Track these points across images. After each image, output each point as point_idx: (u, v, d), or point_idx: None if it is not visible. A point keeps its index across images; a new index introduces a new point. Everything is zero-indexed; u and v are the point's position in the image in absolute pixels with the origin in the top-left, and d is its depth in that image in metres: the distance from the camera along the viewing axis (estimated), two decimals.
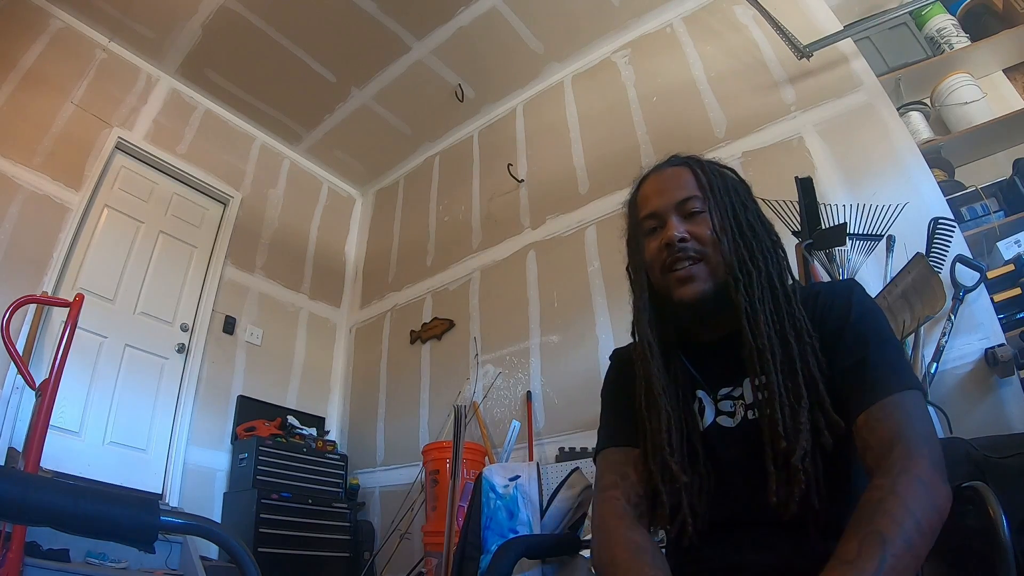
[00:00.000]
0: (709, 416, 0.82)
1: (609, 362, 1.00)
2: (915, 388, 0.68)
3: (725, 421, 0.81)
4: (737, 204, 0.85)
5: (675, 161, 0.91)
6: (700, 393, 0.84)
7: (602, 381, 0.98)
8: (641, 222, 0.89)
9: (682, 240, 0.81)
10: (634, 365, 0.87)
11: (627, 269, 0.94)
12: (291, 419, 3.60)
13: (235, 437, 3.38)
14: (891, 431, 0.64)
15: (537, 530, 1.56)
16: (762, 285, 0.79)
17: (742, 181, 0.90)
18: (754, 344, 0.76)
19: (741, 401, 0.80)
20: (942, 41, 2.61)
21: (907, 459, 0.61)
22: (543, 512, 1.58)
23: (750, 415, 0.79)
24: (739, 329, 0.78)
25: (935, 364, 1.95)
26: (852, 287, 0.81)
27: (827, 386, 0.72)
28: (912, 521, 0.56)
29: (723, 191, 0.85)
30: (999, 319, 2.02)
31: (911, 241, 2.13)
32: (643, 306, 0.87)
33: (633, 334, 0.91)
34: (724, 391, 0.82)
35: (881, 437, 0.65)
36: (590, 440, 2.67)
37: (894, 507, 0.57)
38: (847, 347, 0.74)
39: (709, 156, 0.94)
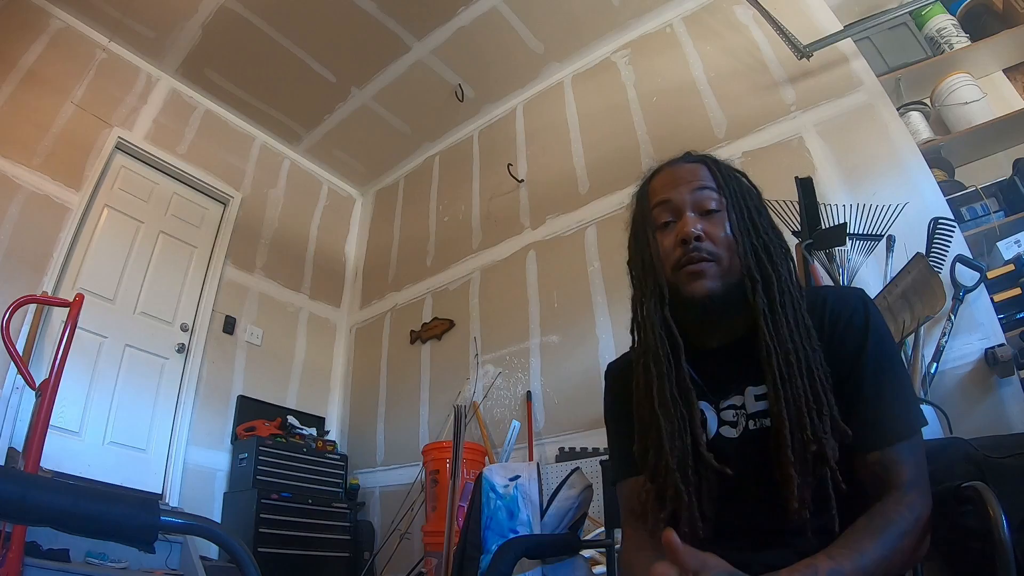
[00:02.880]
0: (712, 427, 0.80)
1: (605, 376, 0.97)
2: (921, 427, 0.75)
3: (727, 432, 0.79)
4: (752, 207, 0.82)
5: (691, 158, 0.87)
6: (702, 404, 0.80)
7: (602, 381, 0.97)
8: (652, 212, 0.84)
9: (698, 239, 0.78)
10: (632, 370, 0.84)
11: (628, 264, 0.89)
12: (291, 419, 3.60)
13: (235, 437, 3.38)
14: (904, 475, 0.71)
15: (537, 530, 1.56)
16: (782, 290, 0.77)
17: (754, 186, 0.87)
18: (775, 348, 0.73)
19: (743, 411, 0.78)
20: (942, 41, 2.61)
21: (915, 497, 0.70)
22: (543, 512, 1.58)
23: (751, 425, 0.77)
24: (745, 335, 0.75)
25: (935, 364, 1.95)
26: (866, 302, 0.78)
27: (832, 395, 0.72)
28: (899, 540, 0.66)
29: (739, 192, 0.83)
30: (999, 319, 2.02)
31: (911, 241, 2.13)
32: (654, 300, 0.81)
33: (633, 332, 0.86)
34: (727, 402, 0.80)
35: (895, 476, 0.71)
36: (590, 440, 2.69)
37: (894, 517, 0.67)
38: (865, 375, 0.74)
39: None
